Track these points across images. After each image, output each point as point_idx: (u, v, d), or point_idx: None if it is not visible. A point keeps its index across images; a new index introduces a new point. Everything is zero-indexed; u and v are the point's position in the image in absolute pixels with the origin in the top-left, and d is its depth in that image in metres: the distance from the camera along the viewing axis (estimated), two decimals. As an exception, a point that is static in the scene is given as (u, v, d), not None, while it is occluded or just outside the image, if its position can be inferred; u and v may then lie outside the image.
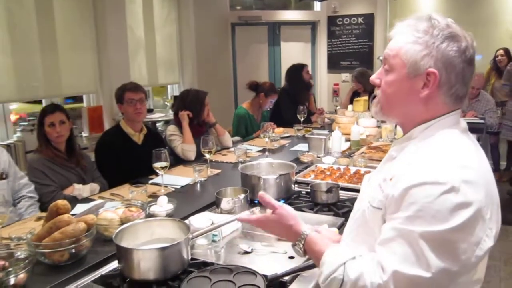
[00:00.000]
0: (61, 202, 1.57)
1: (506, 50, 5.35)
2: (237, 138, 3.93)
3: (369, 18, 6.51)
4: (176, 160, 3.10)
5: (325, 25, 6.90)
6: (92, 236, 1.57)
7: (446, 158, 0.98)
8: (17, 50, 3.69)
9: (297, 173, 2.46)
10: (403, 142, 1.14)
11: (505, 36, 5.73)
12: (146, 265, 1.37)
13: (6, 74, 3.65)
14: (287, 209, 1.27)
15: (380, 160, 2.83)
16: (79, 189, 2.43)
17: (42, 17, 3.89)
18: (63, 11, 4.08)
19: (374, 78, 1.16)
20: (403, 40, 1.07)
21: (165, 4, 5.35)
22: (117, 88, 2.92)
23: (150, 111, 4.89)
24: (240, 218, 1.39)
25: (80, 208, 2.04)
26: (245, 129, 4.08)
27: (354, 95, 5.01)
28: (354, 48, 6.75)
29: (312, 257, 1.19)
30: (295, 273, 1.41)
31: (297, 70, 4.71)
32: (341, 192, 2.15)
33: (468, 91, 1.07)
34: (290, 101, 4.48)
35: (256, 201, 2.05)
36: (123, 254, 1.41)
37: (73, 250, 1.51)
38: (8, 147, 3.60)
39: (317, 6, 6.96)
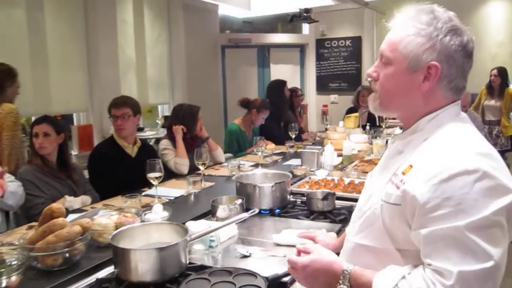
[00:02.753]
0: (56, 206, 1.54)
1: (500, 70, 5.38)
2: (229, 155, 3.92)
3: (356, 41, 6.66)
4: (169, 175, 3.07)
5: (314, 47, 7.03)
6: (86, 240, 1.52)
7: (465, 147, 0.96)
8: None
9: (292, 184, 2.45)
10: (408, 135, 1.11)
11: (487, 58, 5.90)
12: (143, 267, 1.34)
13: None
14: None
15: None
16: (70, 201, 2.38)
17: (33, 34, 3.90)
18: (55, 28, 4.11)
19: (371, 71, 1.13)
20: (403, 33, 1.05)
21: (155, 25, 5.41)
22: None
23: (140, 129, 4.88)
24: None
25: (72, 217, 1.98)
26: (237, 145, 4.08)
27: (350, 112, 5.07)
28: (342, 70, 6.86)
29: None
30: (296, 273, 1.39)
31: (278, 86, 4.80)
32: (336, 201, 2.14)
33: (466, 83, 1.07)
34: (274, 118, 4.52)
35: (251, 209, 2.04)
36: (120, 256, 1.38)
37: (67, 255, 1.47)
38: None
39: (306, 29, 7.11)
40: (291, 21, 5.35)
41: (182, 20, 5.70)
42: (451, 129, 1.03)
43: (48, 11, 4.05)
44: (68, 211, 2.26)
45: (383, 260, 1.05)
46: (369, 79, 1.15)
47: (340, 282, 1.05)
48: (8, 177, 2.27)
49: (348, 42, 6.75)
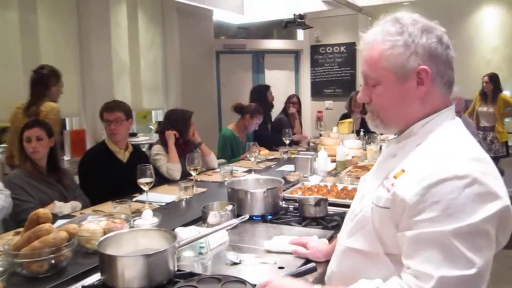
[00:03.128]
0: (42, 211, 1.51)
1: (491, 76, 5.37)
2: (222, 160, 3.89)
3: (350, 47, 6.66)
4: (160, 181, 3.04)
5: (308, 53, 7.04)
6: (73, 246, 1.50)
7: (457, 151, 0.96)
8: (0, 69, 3.65)
9: (284, 190, 2.43)
10: (401, 140, 1.11)
11: (481, 64, 5.92)
12: (130, 273, 1.31)
13: (-13, 94, 3.59)
14: None
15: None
16: (60, 207, 2.35)
17: (26, 37, 3.86)
18: (48, 31, 4.07)
19: (361, 97, 1.13)
20: (379, 50, 1.04)
21: (150, 28, 5.39)
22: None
23: (134, 134, 4.84)
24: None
25: (60, 223, 1.95)
26: (231, 150, 4.06)
27: (343, 118, 5.09)
28: (336, 76, 6.87)
29: None
30: (286, 281, 1.37)
31: (261, 90, 5.01)
32: (329, 208, 2.12)
33: (453, 73, 1.06)
34: (262, 122, 4.56)
35: (242, 215, 2.01)
36: (106, 263, 1.35)
37: (53, 261, 1.44)
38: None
39: (300, 35, 7.12)
40: (285, 27, 5.36)
41: (176, 25, 5.68)
42: (444, 133, 1.03)
43: (41, 13, 4.02)
44: (58, 217, 2.23)
45: (373, 264, 1.05)
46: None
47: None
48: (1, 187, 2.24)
49: (342, 48, 6.76)
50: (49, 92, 3.33)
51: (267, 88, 5.00)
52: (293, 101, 5.20)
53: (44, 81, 3.32)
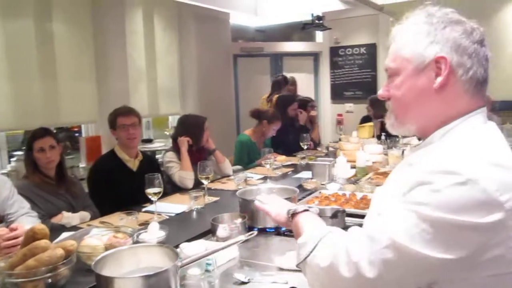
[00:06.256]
0: (38, 227, 1.43)
1: None
2: (238, 167, 3.79)
3: (371, 48, 6.49)
4: (174, 189, 2.96)
5: (328, 56, 6.89)
6: (71, 264, 1.41)
7: (473, 152, 0.84)
8: (16, 77, 3.65)
9: (299, 199, 2.31)
10: (421, 147, 0.99)
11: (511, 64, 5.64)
12: (128, 296, 1.22)
13: (4, 102, 3.59)
14: None
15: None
16: (68, 217, 2.28)
17: (42, 45, 3.86)
18: (64, 39, 4.07)
19: (381, 92, 1.05)
20: (401, 39, 0.98)
21: (166, 34, 5.35)
22: (109, 114, 2.82)
23: (149, 141, 4.80)
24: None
25: (65, 236, 1.89)
26: (248, 156, 3.95)
27: (364, 120, 4.92)
28: (357, 78, 6.69)
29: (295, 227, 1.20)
30: (296, 304, 1.25)
31: (283, 104, 4.67)
32: (347, 219, 2.00)
33: (487, 76, 0.93)
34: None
35: (255, 229, 1.90)
36: (103, 284, 1.25)
37: (50, 280, 1.35)
38: (1, 176, 3.49)
39: (319, 37, 6.98)
40: (303, 29, 5.24)
41: (193, 30, 5.63)
42: (467, 131, 0.91)
43: (56, 21, 4.01)
44: (65, 228, 2.17)
45: None
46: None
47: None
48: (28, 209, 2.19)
49: (362, 50, 6.58)
50: (281, 89, 5.29)
51: (290, 103, 4.67)
52: (313, 105, 5.02)
53: (278, 83, 5.40)
